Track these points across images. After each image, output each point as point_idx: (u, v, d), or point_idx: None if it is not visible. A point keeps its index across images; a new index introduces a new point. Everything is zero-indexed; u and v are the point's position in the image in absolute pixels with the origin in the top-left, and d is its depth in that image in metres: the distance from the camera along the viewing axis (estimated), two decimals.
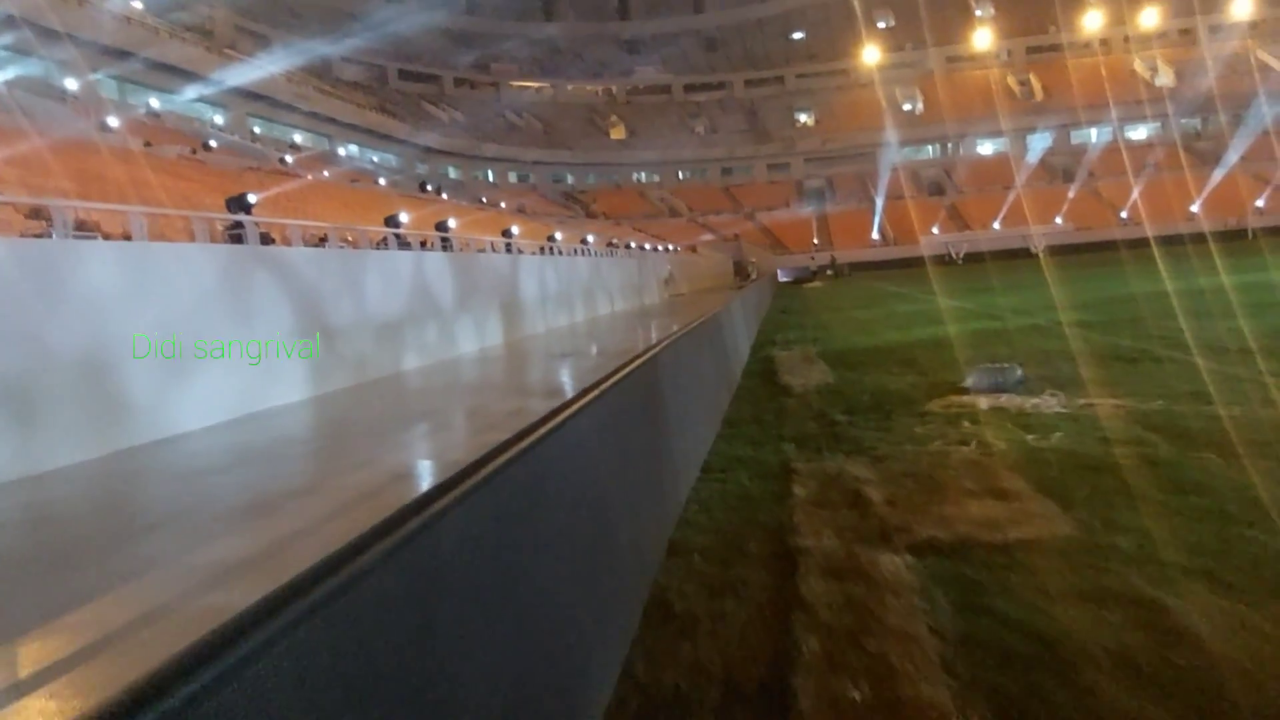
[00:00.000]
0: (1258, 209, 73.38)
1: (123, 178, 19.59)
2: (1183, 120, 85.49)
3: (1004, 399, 7.25)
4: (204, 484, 7.31)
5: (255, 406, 11.28)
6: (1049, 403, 6.86)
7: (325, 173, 40.73)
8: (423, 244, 19.57)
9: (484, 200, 58.00)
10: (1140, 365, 8.78)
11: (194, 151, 30.09)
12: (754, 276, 41.44)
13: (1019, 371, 7.75)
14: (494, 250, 22.54)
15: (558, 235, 29.28)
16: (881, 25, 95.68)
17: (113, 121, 28.48)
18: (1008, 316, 16.03)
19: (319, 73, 64.78)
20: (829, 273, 65.17)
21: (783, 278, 55.59)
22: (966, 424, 6.52)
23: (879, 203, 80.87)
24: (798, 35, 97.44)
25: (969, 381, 7.97)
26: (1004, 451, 5.59)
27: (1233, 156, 76.78)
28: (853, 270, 67.40)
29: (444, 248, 19.53)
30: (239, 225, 12.75)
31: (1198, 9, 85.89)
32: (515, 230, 25.82)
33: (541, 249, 26.93)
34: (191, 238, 11.89)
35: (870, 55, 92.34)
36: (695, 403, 6.61)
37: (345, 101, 61.33)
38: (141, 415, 9.44)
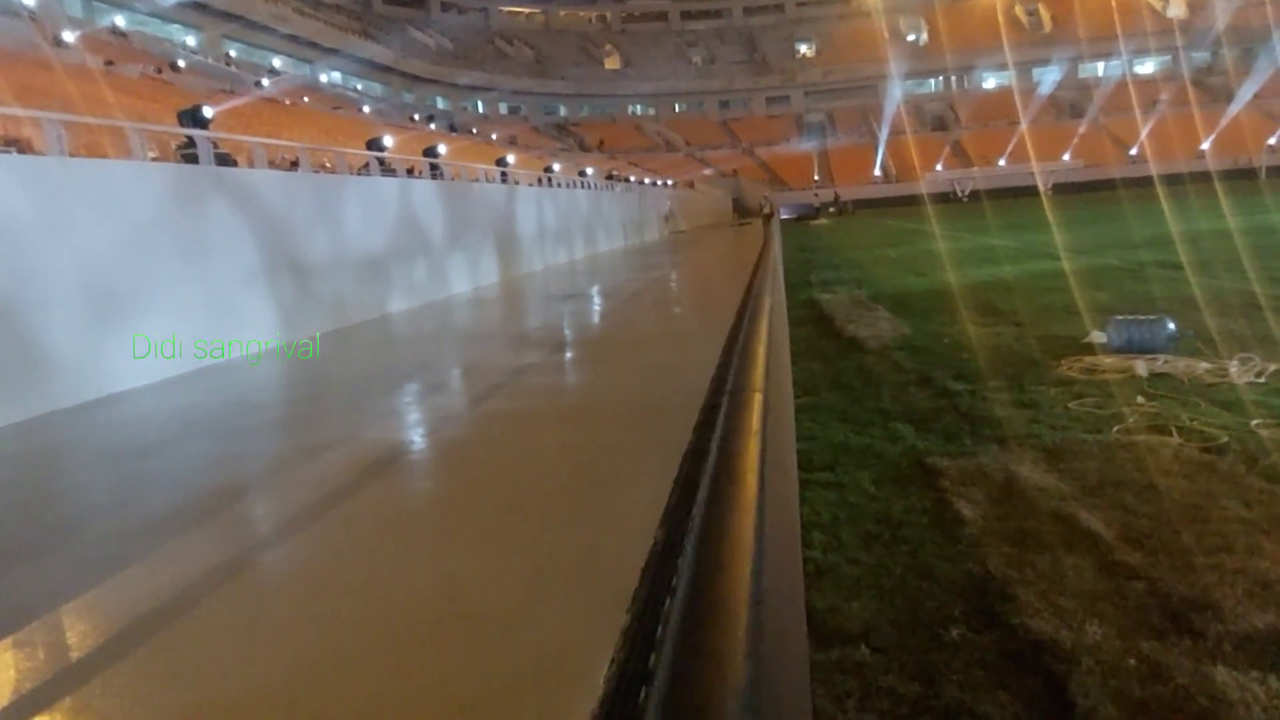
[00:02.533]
0: (1270, 147, 71.46)
1: (74, 95, 17.55)
2: (1194, 54, 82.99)
3: (1163, 362, 5.63)
4: (122, 473, 5.56)
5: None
6: (1235, 370, 5.27)
7: (305, 98, 38.26)
8: (409, 171, 17.66)
9: (474, 131, 55.47)
10: None
11: (159, 71, 27.70)
12: (768, 212, 39.39)
13: (1170, 325, 6.13)
14: (488, 181, 20.66)
15: (555, 166, 27.35)
16: None
17: (69, 37, 26.04)
18: (1069, 256, 14.34)
19: None
20: (832, 210, 63.01)
21: (784, 214, 53.51)
22: (1140, 399, 4.90)
23: (882, 137, 78.29)
24: None
25: (1103, 337, 6.36)
26: (1236, 449, 3.97)
27: (1245, 93, 74.53)
28: (856, 208, 65.30)
29: (434, 176, 17.64)
30: (192, 144, 10.88)
31: None
32: (511, 159, 23.87)
33: (539, 180, 25.03)
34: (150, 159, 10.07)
35: None
36: (772, 365, 4.97)
37: (327, 24, 58.02)
38: (62, 372, 7.68)
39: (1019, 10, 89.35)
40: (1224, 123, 71.98)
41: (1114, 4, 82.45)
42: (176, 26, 47.29)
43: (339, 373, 8.66)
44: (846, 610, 2.71)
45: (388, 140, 16.49)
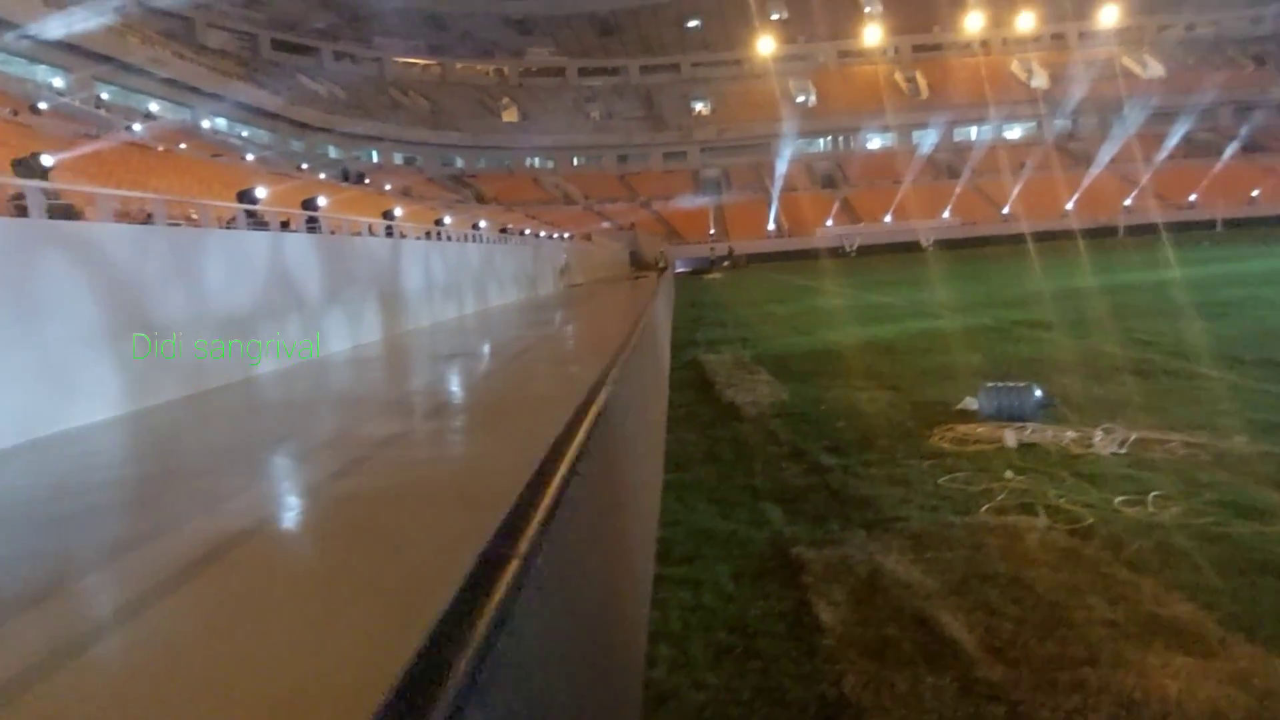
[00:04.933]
0: (1126, 208, 76.84)
1: None
2: (1056, 121, 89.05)
3: (1031, 431, 5.62)
4: None
5: (40, 430, 8.59)
6: (1099, 440, 5.27)
7: (182, 144, 36.62)
8: (284, 224, 16.85)
9: (366, 181, 54.37)
10: (1158, 381, 7.37)
11: (15, 114, 25.98)
12: (663, 267, 39.73)
13: (1038, 392, 6.16)
14: (372, 234, 19.95)
15: (446, 219, 26.77)
16: (775, 17, 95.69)
17: None
18: (946, 314, 14.73)
19: (180, 37, 59.25)
20: (725, 264, 64.22)
21: (680, 268, 54.18)
22: (1009, 474, 4.81)
23: (775, 194, 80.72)
24: (693, 23, 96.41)
25: (974, 404, 6.34)
26: (1101, 531, 3.87)
27: (1103, 157, 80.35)
28: (749, 261, 66.77)
29: (310, 229, 16.88)
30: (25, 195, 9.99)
31: (1070, 15, 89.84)
32: (399, 212, 23.25)
33: (428, 233, 24.39)
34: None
35: (765, 46, 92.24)
36: (640, 440, 4.66)
37: (209, 69, 56.19)
38: None
39: (899, 77, 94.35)
40: (1085, 184, 77.16)
41: (984, 74, 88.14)
42: (43, 67, 44.91)
43: (184, 447, 7.92)
44: None
45: (261, 191, 15.69)
